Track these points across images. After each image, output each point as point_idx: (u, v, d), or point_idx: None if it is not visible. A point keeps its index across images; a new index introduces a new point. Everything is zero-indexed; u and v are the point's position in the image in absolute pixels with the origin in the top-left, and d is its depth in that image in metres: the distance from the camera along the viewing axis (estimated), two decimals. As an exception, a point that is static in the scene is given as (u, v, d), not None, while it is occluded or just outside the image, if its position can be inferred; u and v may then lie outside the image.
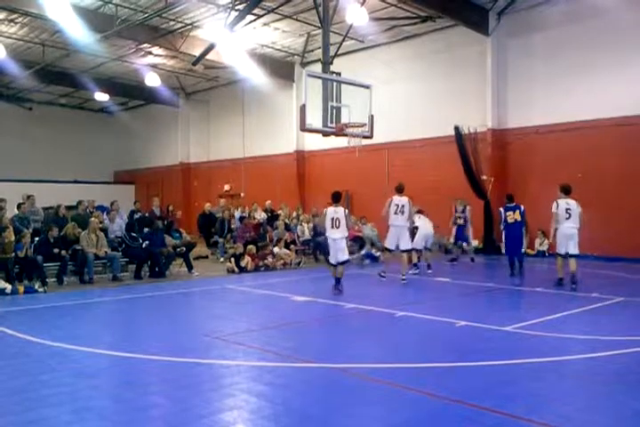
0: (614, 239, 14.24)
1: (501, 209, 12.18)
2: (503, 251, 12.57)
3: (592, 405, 4.58)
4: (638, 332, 6.90)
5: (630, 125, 14.46)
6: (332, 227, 10.22)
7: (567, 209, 10.35)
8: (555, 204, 10.49)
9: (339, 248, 10.25)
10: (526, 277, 11.88)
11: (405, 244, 11.54)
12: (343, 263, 10.31)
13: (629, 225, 14.24)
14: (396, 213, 11.28)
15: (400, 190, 11.50)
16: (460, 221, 14.79)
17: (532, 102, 16.52)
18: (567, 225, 10.34)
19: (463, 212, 14.78)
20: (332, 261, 10.35)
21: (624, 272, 12.52)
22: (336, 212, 10.26)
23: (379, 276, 11.91)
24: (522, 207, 11.91)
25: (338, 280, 10.26)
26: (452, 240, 15.19)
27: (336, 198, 10.48)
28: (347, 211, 10.51)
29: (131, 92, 26.70)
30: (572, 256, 10.34)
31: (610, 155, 14.82)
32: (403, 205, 11.23)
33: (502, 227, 12.08)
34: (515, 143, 17.01)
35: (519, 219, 11.79)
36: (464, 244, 15.14)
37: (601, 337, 6.70)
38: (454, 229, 14.95)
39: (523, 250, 12.24)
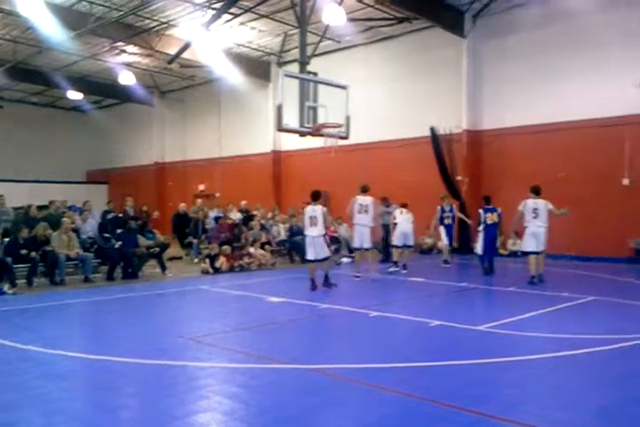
0: (588, 240, 14.46)
1: (481, 210, 12.30)
2: (477, 251, 12.61)
3: (563, 403, 4.63)
4: (607, 330, 7.00)
5: (603, 127, 14.71)
6: (311, 225, 10.45)
7: (535, 209, 10.90)
8: (522, 203, 11.08)
9: (317, 245, 10.44)
10: (499, 276, 12.01)
11: (367, 243, 11.84)
12: (323, 260, 10.55)
13: (603, 225, 14.48)
14: (360, 212, 11.70)
15: (364, 190, 11.90)
16: (448, 221, 14.27)
17: (507, 104, 16.71)
18: (535, 224, 10.89)
19: (451, 211, 14.35)
20: (310, 257, 10.54)
21: (596, 272, 12.72)
22: (314, 210, 10.47)
23: (354, 276, 12.00)
24: (499, 209, 12.20)
25: (326, 277, 10.72)
26: (445, 242, 14.35)
27: (315, 197, 10.72)
28: (325, 209, 10.62)
29: (105, 91, 26.36)
30: (539, 253, 10.99)
31: (583, 156, 15.06)
32: (367, 205, 11.63)
33: (481, 228, 12.19)
34: (489, 144, 17.18)
35: (496, 220, 12.05)
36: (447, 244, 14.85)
37: (571, 336, 6.79)
38: (443, 229, 14.21)
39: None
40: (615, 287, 10.70)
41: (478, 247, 12.45)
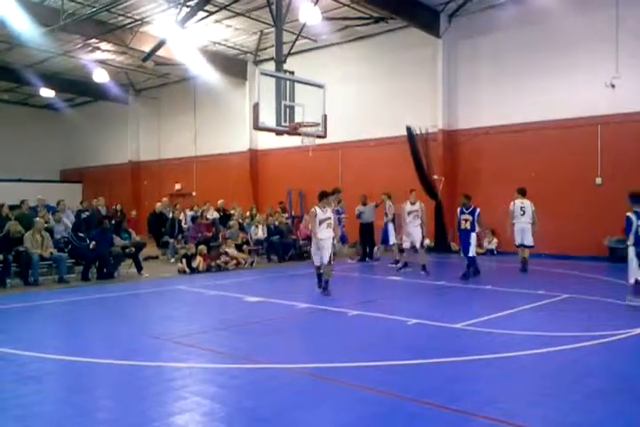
0: (563, 238, 14.66)
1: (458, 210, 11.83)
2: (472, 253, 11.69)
3: (538, 399, 4.68)
4: (582, 328, 7.12)
5: (576, 127, 14.94)
6: (326, 227, 10.08)
7: (522, 207, 12.31)
8: (512, 203, 12.48)
9: (326, 249, 9.98)
10: (475, 275, 12.11)
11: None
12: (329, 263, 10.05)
13: (577, 224, 14.70)
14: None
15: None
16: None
17: (482, 104, 16.87)
18: (522, 220, 12.31)
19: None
20: (317, 262, 10.13)
21: (571, 270, 12.90)
22: (328, 211, 10.22)
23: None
24: (477, 210, 11.55)
25: (326, 282, 10.02)
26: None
27: (321, 198, 10.35)
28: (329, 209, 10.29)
29: (78, 89, 25.91)
30: (526, 247, 12.38)
31: (557, 155, 15.28)
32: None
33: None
34: (465, 144, 17.33)
35: (468, 227, 11.49)
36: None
37: (547, 333, 6.88)
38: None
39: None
40: (589, 285, 10.87)
41: (472, 249, 11.54)
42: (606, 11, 14.40)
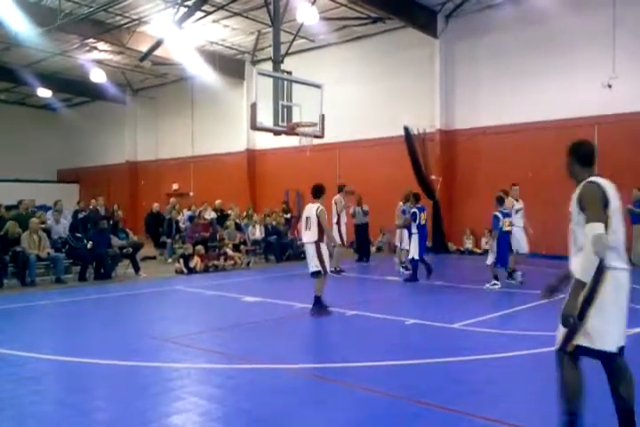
0: (559, 238, 14.61)
1: (415, 210, 11.69)
2: (414, 255, 11.56)
3: (536, 399, 4.69)
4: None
5: (573, 127, 14.93)
6: (305, 228, 8.43)
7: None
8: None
9: (307, 255, 8.44)
10: (473, 275, 12.11)
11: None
12: (313, 275, 8.32)
13: (572, 224, 14.71)
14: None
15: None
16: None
17: (479, 104, 16.89)
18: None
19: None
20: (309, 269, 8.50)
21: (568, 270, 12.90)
22: (310, 209, 8.39)
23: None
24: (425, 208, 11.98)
25: (316, 298, 8.26)
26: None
27: (315, 193, 8.64)
28: (321, 209, 8.32)
29: (75, 89, 25.89)
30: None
31: (555, 155, 15.18)
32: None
33: (415, 229, 11.59)
34: (462, 144, 17.34)
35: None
36: None
37: (544, 333, 6.87)
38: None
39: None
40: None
41: (414, 251, 11.46)
42: (603, 11, 14.42)
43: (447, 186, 17.12)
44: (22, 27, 16.20)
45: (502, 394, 4.81)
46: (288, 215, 18.28)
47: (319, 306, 8.23)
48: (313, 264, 8.23)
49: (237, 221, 16.56)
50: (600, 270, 3.37)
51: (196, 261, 13.39)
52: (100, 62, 22.07)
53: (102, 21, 17.93)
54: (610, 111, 14.35)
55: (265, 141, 21.12)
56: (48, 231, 12.59)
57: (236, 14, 17.67)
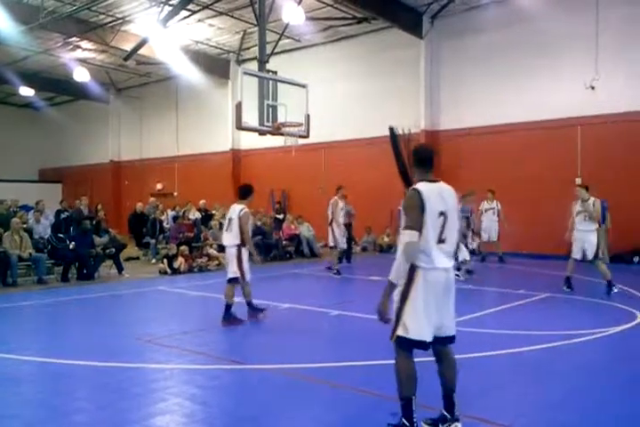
0: (543, 238, 14.74)
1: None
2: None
3: (521, 398, 4.72)
4: (562, 326, 7.18)
5: (557, 128, 15.09)
6: (226, 230, 7.81)
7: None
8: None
9: (227, 259, 7.89)
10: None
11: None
12: (229, 281, 7.71)
13: (556, 223, 14.76)
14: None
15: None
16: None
17: (464, 104, 16.97)
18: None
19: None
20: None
21: (551, 269, 13.00)
22: (233, 210, 7.76)
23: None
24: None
25: (249, 304, 7.88)
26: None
27: (241, 193, 7.98)
28: (245, 211, 7.62)
29: (58, 88, 25.61)
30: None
31: (538, 156, 15.39)
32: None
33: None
34: (447, 144, 17.39)
35: None
36: None
37: (528, 332, 6.93)
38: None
39: None
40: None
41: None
42: (587, 13, 14.56)
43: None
44: (4, 25, 15.98)
45: (487, 393, 4.83)
46: (281, 216, 18.23)
47: (229, 315, 7.62)
48: (231, 270, 7.65)
49: (222, 221, 16.45)
50: (412, 270, 3.71)
51: (180, 262, 13.30)
52: (83, 61, 21.86)
53: (86, 20, 17.75)
54: (593, 112, 14.50)
55: (250, 141, 21.05)
56: (30, 231, 12.45)
57: (221, 13, 17.60)
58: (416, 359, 3.96)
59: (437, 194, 3.77)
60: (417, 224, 3.66)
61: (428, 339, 3.77)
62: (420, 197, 3.69)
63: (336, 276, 12.42)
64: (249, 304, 7.90)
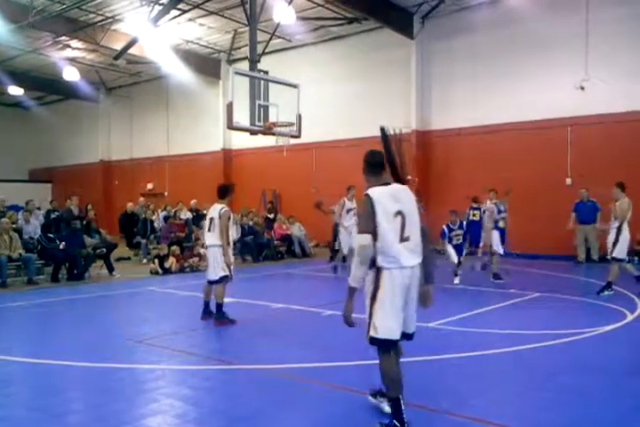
0: (533, 238, 14.82)
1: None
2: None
3: (512, 397, 4.75)
4: (553, 326, 7.22)
5: (547, 128, 15.17)
6: (208, 230, 7.79)
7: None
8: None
9: (211, 259, 7.76)
10: (449, 274, 12.19)
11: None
12: (221, 280, 7.64)
13: (547, 224, 14.87)
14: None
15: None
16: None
17: (455, 105, 17.01)
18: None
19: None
20: (207, 275, 7.84)
21: (542, 269, 13.09)
22: (214, 210, 7.75)
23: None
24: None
25: (218, 306, 7.66)
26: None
27: (220, 193, 7.95)
28: (223, 209, 7.62)
29: (48, 87, 25.45)
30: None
31: (528, 156, 15.46)
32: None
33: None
34: (438, 144, 17.46)
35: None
36: None
37: (518, 331, 6.97)
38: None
39: None
40: (559, 284, 11.03)
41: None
42: (577, 14, 14.65)
43: (423, 186, 17.19)
44: (-8, 23, 15.91)
45: (478, 392, 4.84)
46: (272, 215, 18.21)
47: (223, 314, 7.66)
48: (220, 268, 7.54)
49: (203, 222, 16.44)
50: (378, 271, 3.84)
51: (171, 262, 13.27)
52: (73, 60, 21.74)
53: (76, 19, 17.65)
54: (583, 113, 14.59)
55: (241, 141, 21.01)
56: (19, 231, 12.36)
57: (211, 13, 17.55)
58: (405, 359, 3.96)
59: (390, 196, 3.93)
60: (369, 228, 3.80)
61: (396, 337, 3.91)
62: (370, 202, 3.85)
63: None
64: (220, 307, 7.67)
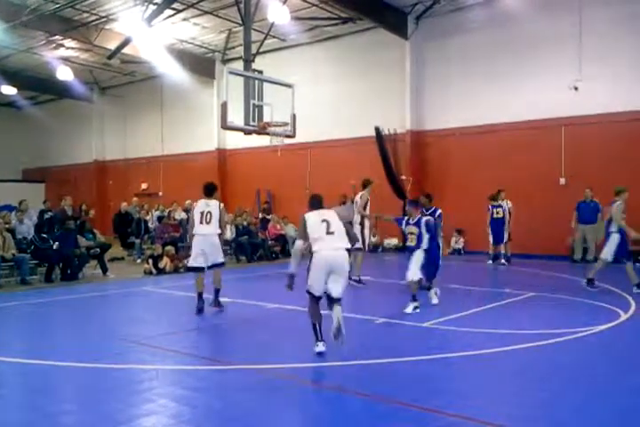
0: (528, 237, 14.85)
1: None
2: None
3: (505, 397, 4.75)
4: (547, 326, 7.24)
5: (541, 128, 15.22)
6: (201, 222, 8.39)
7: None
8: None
9: (213, 247, 8.40)
10: (440, 274, 12.20)
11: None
12: (219, 266, 8.49)
13: (543, 224, 14.91)
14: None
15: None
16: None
17: (449, 105, 17.04)
18: None
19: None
20: (196, 263, 8.40)
21: (536, 269, 13.12)
22: (208, 205, 8.57)
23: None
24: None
25: (216, 292, 8.50)
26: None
27: (208, 191, 8.90)
28: (222, 205, 8.83)
29: (41, 86, 25.35)
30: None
31: (522, 156, 15.50)
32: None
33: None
34: (432, 144, 17.49)
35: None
36: None
37: (512, 331, 6.99)
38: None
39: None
40: (553, 284, 11.07)
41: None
42: (571, 14, 14.70)
43: (418, 186, 17.21)
44: (-15, 22, 15.83)
45: (472, 392, 4.85)
46: (268, 215, 18.19)
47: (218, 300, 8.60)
48: (220, 255, 8.54)
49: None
50: (312, 254, 5.86)
51: (165, 262, 13.23)
52: (66, 60, 21.65)
53: (69, 18, 17.60)
54: (576, 113, 14.64)
55: (236, 141, 20.98)
56: (12, 232, 12.30)
57: (206, 13, 17.52)
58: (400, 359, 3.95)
59: (317, 214, 6.03)
60: (302, 237, 5.96)
61: (319, 293, 5.96)
62: (304, 220, 5.98)
63: (357, 285, 10.68)
64: (216, 291, 8.57)
